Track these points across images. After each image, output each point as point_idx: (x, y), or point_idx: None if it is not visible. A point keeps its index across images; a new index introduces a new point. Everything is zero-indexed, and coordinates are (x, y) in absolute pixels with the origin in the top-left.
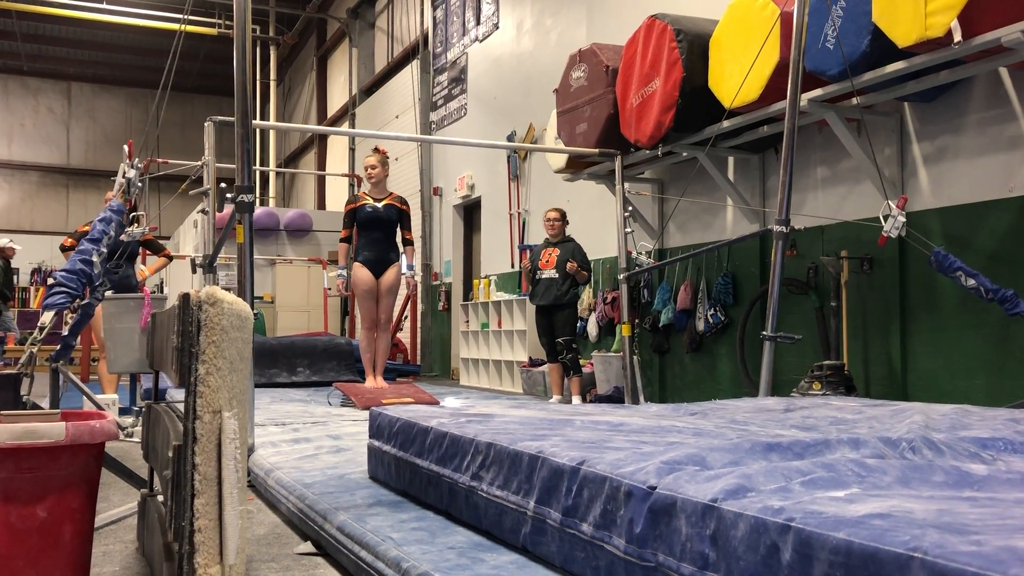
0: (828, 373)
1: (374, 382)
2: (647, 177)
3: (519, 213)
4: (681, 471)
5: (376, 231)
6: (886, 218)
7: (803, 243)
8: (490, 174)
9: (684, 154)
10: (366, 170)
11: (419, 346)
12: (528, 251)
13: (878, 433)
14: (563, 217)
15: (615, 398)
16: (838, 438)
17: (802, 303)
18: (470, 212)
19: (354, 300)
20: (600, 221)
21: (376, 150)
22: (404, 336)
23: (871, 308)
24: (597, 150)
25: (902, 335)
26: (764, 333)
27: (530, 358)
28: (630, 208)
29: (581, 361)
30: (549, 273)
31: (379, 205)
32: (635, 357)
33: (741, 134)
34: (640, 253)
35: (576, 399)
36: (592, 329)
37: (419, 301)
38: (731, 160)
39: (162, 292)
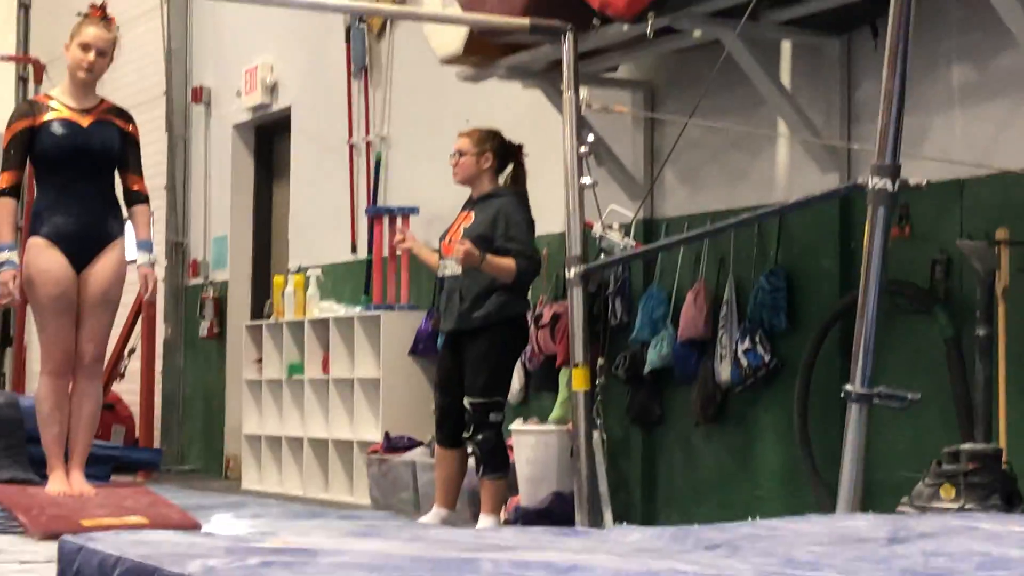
0: (971, 467)
1: (66, 483)
2: (624, 78)
3: (368, 143)
4: None
5: (78, 174)
6: None
7: (924, 213)
8: (310, 64)
9: (696, 33)
10: (82, 53)
11: (158, 411)
12: (392, 220)
13: None
14: (483, 143)
15: (555, 514)
16: None
17: (922, 329)
18: (268, 139)
19: (25, 311)
20: (530, 163)
21: (102, 13)
22: (129, 389)
23: None
24: (527, 20)
25: None
26: (849, 388)
27: (387, 436)
28: (590, 139)
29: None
30: (450, 266)
31: (82, 122)
32: (597, 433)
33: None
34: (609, 229)
35: (488, 519)
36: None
37: (160, 319)
38: (786, 48)
39: None
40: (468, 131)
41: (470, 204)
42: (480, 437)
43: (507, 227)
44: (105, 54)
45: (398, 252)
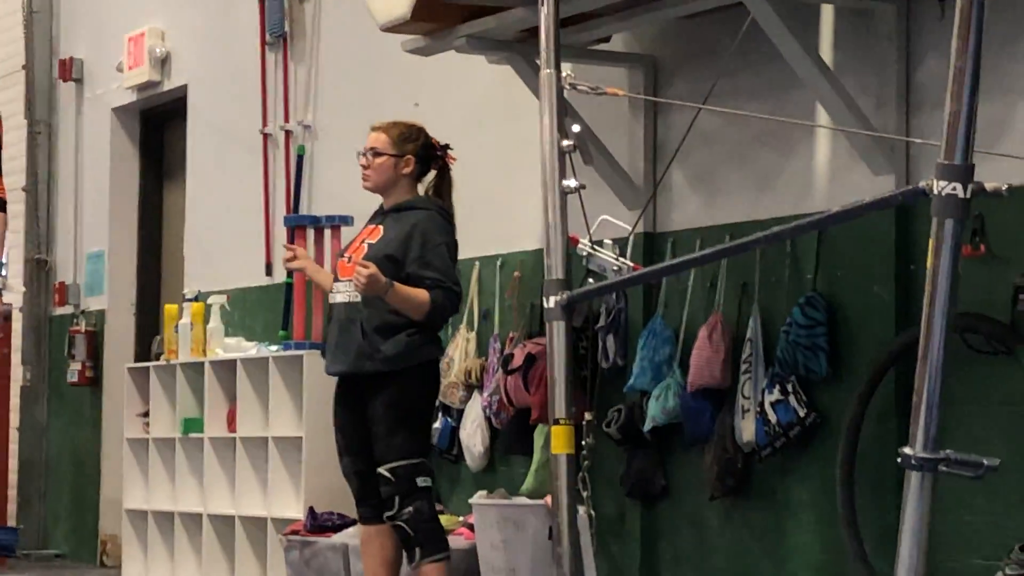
0: None
1: None
2: (619, 51)
3: (287, 132)
4: None
5: None
6: None
7: (1003, 227)
8: (213, 31)
9: None
10: None
11: (13, 478)
12: (319, 232)
13: None
14: (403, 142)
15: None
16: None
17: (1001, 376)
18: (158, 127)
19: None
20: (498, 161)
21: None
22: None
23: None
24: None
25: None
26: (907, 452)
27: (311, 512)
28: (575, 129)
29: (447, 520)
30: (346, 288)
31: None
32: (583, 509)
33: None
34: (599, 245)
35: None
36: (472, 439)
37: (16, 360)
38: (827, 14)
39: None
40: (384, 124)
41: (380, 215)
42: (410, 510)
43: (423, 249)
44: None
45: (285, 273)
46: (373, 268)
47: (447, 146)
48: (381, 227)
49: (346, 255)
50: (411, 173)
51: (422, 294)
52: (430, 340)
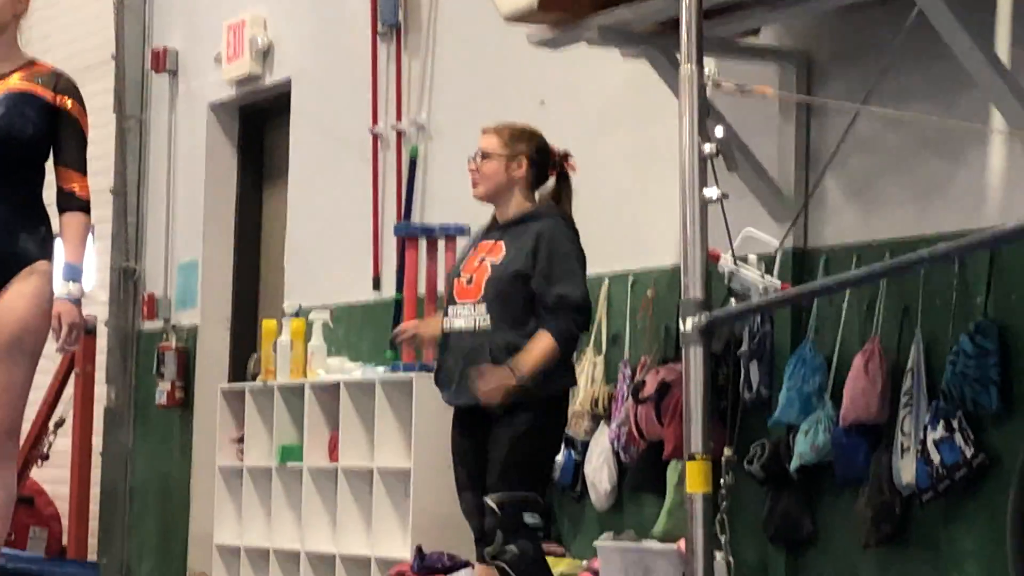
0: None
1: None
2: (769, 47)
3: (399, 132)
4: None
5: None
6: None
7: None
8: (319, 20)
9: None
10: None
11: (95, 508)
12: (433, 243)
13: None
14: (515, 143)
15: None
16: None
17: None
18: (258, 125)
19: None
20: (632, 167)
21: None
22: (55, 477)
23: None
24: None
25: None
26: None
27: (419, 551)
28: (719, 132)
29: (568, 565)
30: (468, 313)
31: None
32: (720, 555)
33: None
34: (743, 262)
35: None
36: (598, 475)
37: (101, 378)
38: (1004, 6)
39: None
40: (495, 126)
41: (497, 230)
42: (513, 549)
43: (549, 262)
44: None
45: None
46: (489, 375)
47: (567, 154)
48: (501, 243)
49: (463, 275)
50: (524, 178)
51: (543, 343)
52: (564, 369)
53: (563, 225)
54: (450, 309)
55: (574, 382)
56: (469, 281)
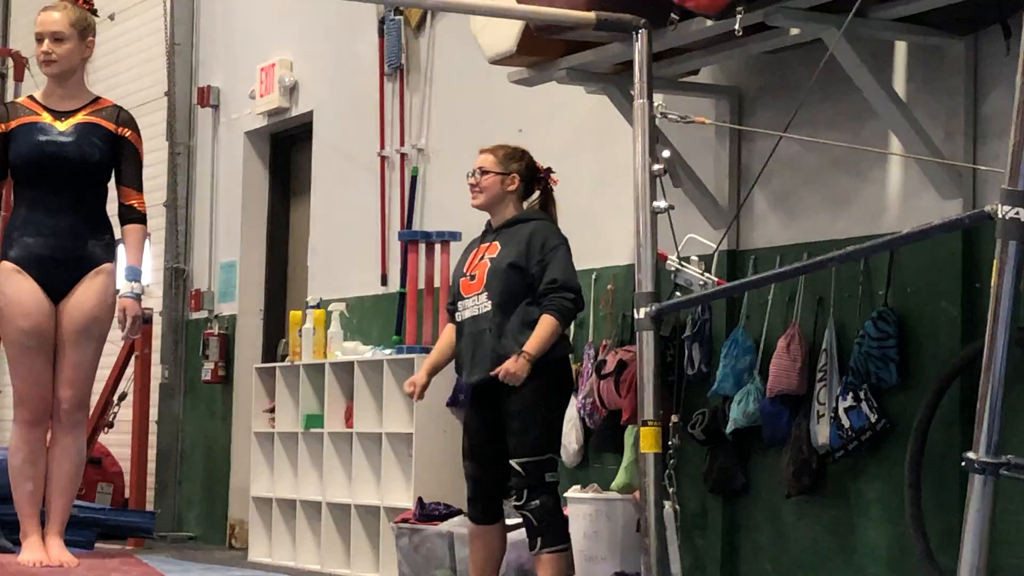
0: None
1: (43, 551)
2: (707, 83)
3: (402, 155)
4: None
5: (51, 187)
6: None
7: None
8: (337, 62)
9: (793, 31)
10: (38, 46)
11: (152, 467)
12: (430, 246)
13: None
14: (509, 162)
15: None
16: None
17: None
18: (286, 149)
19: None
20: (594, 183)
21: None
22: (118, 441)
23: None
24: (593, 14)
25: None
26: (971, 456)
27: (420, 502)
28: (665, 154)
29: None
30: (473, 303)
31: (59, 125)
32: (668, 503)
33: None
34: (686, 262)
35: None
36: (568, 438)
37: (156, 359)
38: (900, 49)
39: None
40: (491, 147)
41: (492, 233)
42: (536, 503)
43: (543, 252)
44: (63, 39)
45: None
46: (508, 365)
47: (550, 169)
48: (496, 243)
49: (467, 272)
50: (516, 191)
51: (547, 325)
52: (561, 338)
53: (551, 225)
54: (459, 304)
55: (571, 349)
56: (472, 278)
